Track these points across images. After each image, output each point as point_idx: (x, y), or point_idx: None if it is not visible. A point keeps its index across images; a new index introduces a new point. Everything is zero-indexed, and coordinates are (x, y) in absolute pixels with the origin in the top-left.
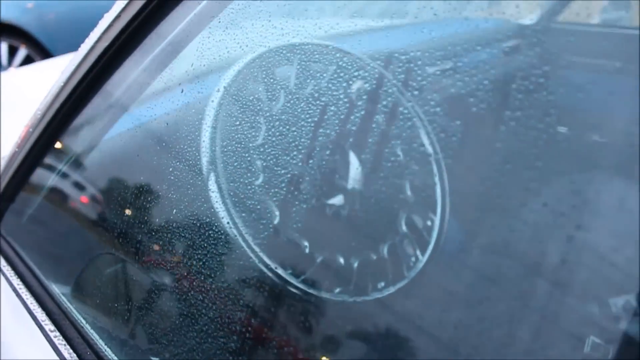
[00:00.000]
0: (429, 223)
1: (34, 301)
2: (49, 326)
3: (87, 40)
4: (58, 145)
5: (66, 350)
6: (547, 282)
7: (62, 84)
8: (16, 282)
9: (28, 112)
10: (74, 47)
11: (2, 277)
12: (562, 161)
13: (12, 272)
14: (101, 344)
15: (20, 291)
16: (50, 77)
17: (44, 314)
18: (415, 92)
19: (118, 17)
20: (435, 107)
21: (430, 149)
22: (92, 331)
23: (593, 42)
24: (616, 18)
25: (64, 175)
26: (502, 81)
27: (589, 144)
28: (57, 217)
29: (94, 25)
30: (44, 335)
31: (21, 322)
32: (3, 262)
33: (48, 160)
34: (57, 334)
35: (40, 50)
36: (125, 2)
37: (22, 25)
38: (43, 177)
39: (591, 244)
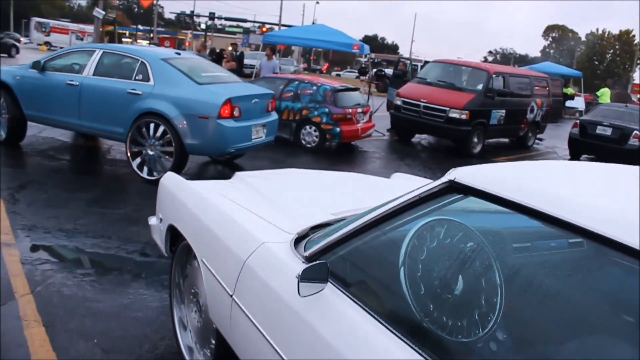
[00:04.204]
0: (489, 317)
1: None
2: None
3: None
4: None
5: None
6: None
7: (375, 214)
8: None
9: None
10: None
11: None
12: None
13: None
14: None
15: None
16: None
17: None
18: (500, 253)
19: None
20: (509, 267)
21: (498, 281)
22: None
23: None
24: None
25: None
26: (559, 263)
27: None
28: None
29: None
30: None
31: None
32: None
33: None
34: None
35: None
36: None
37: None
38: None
39: None
